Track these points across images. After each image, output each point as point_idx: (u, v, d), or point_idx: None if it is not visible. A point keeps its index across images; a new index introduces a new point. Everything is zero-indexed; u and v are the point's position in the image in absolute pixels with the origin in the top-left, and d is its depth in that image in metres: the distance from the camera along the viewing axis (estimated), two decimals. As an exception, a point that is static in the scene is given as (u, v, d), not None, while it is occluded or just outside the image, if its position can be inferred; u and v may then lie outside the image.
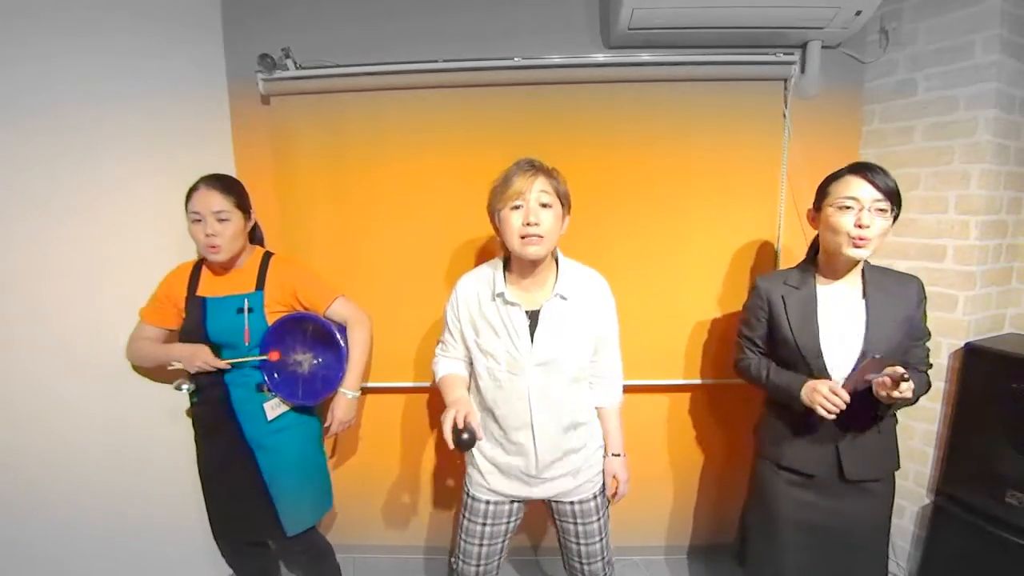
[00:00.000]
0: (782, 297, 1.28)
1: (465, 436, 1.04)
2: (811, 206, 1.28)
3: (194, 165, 1.44)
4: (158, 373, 1.51)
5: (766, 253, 1.76)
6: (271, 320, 1.41)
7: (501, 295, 1.19)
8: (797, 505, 1.29)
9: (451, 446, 1.04)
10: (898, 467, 1.29)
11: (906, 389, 1.05)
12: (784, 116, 1.70)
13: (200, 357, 1.36)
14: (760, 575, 1.38)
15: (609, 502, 1.34)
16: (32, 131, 1.30)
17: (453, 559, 1.37)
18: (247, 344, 1.39)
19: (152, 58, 1.55)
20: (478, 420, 1.12)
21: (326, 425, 1.49)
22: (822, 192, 1.23)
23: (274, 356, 1.39)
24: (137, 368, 1.51)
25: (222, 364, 1.36)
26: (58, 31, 1.34)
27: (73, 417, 1.41)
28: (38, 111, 1.31)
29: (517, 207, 1.12)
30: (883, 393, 1.09)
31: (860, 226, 1.13)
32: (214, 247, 1.35)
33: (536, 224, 1.10)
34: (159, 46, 1.57)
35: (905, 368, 1.17)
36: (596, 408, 1.32)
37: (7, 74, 1.26)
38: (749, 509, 1.43)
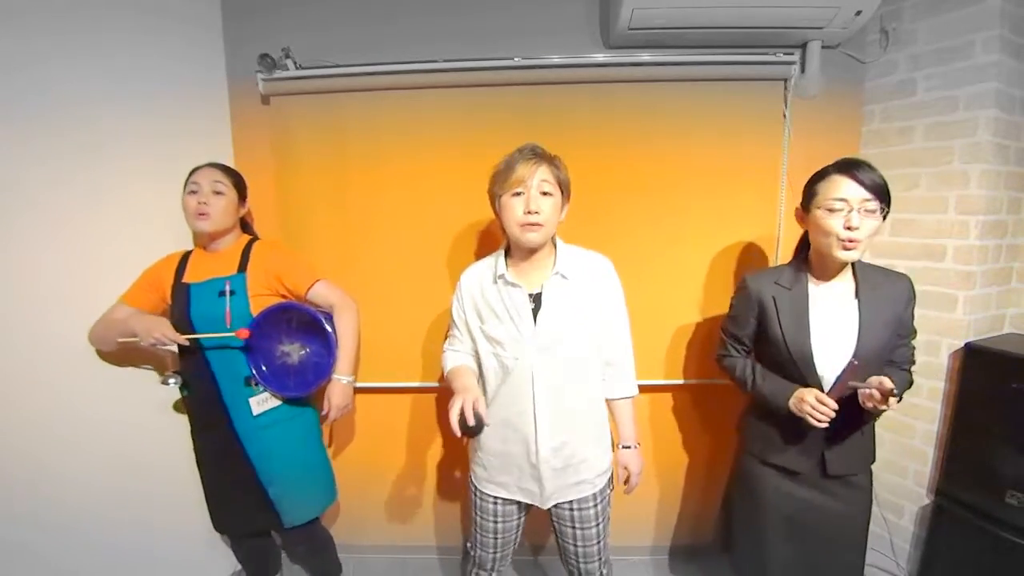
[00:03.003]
0: (773, 298, 1.26)
1: (472, 423, 1.04)
2: (799, 204, 1.26)
3: (194, 165, 1.44)
4: (145, 359, 1.51)
5: (766, 253, 1.76)
6: (254, 304, 1.40)
7: (502, 276, 1.20)
8: (782, 497, 1.30)
9: (457, 433, 1.05)
10: (874, 459, 1.31)
11: (893, 403, 1.08)
12: (784, 116, 1.70)
13: (158, 329, 1.30)
14: (746, 565, 1.40)
15: (611, 499, 1.33)
16: (32, 131, 1.31)
17: (469, 544, 1.39)
18: (229, 328, 1.37)
19: (152, 58, 1.55)
20: (485, 407, 1.11)
21: (324, 413, 1.48)
22: (809, 191, 1.21)
23: (243, 334, 1.35)
24: (101, 353, 1.46)
25: (181, 339, 1.33)
26: (58, 31, 1.34)
27: (74, 418, 1.41)
28: (38, 111, 1.31)
29: (518, 194, 1.14)
30: (870, 405, 1.11)
31: (850, 228, 1.11)
32: (203, 214, 1.37)
33: (536, 212, 1.12)
34: (159, 46, 1.57)
35: (890, 365, 1.21)
36: (608, 401, 1.30)
37: (7, 74, 1.26)
38: (734, 501, 1.44)
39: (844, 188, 1.12)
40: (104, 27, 1.44)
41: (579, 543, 1.30)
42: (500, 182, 1.16)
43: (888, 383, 1.06)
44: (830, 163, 1.19)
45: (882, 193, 1.11)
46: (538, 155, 1.15)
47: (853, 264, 1.23)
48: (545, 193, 1.14)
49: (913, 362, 1.29)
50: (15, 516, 1.32)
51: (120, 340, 1.37)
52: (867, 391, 1.10)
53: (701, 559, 1.97)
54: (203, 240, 1.46)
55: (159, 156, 1.54)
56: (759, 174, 1.72)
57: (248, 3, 1.73)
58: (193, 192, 1.40)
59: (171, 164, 1.47)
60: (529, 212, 1.12)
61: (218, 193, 1.40)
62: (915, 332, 1.28)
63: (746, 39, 1.62)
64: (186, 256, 1.47)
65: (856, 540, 1.31)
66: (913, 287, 1.24)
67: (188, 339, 1.35)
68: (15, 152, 1.28)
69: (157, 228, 1.53)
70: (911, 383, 1.29)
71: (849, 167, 1.14)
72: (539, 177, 1.13)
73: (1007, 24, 1.43)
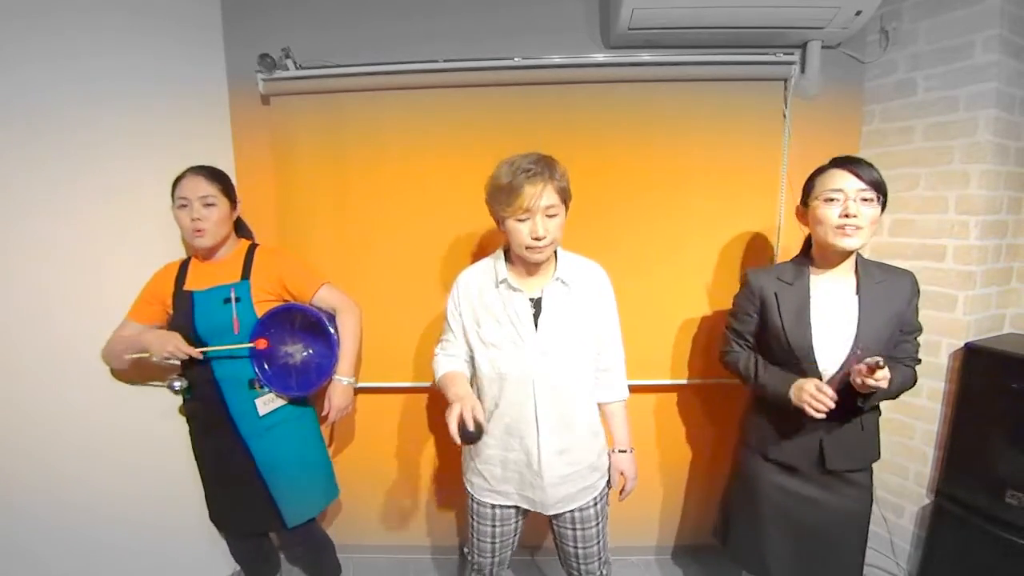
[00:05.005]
0: (775, 293, 1.28)
1: (471, 430, 1.04)
2: (799, 202, 1.29)
3: (190, 166, 1.43)
4: (155, 373, 1.51)
5: (766, 253, 1.76)
6: (259, 310, 1.40)
7: (504, 281, 1.19)
8: (781, 492, 1.31)
9: (457, 440, 1.04)
10: (878, 457, 1.30)
11: (881, 378, 1.05)
12: (784, 116, 1.70)
13: (171, 343, 1.32)
14: (743, 560, 1.41)
15: (608, 498, 1.33)
16: (32, 131, 1.31)
17: (467, 550, 1.38)
18: (236, 335, 1.38)
19: (152, 58, 1.55)
20: (484, 414, 1.11)
21: (324, 414, 1.49)
22: (808, 187, 1.25)
23: (261, 344, 1.37)
24: (115, 373, 1.47)
25: (194, 352, 1.33)
26: (58, 31, 1.34)
27: (76, 420, 1.41)
28: (38, 111, 1.32)
29: (523, 219, 1.12)
30: (858, 380, 1.09)
31: (847, 216, 1.14)
32: (200, 231, 1.36)
33: (543, 237, 1.11)
34: (159, 46, 1.57)
35: (891, 360, 1.17)
36: (601, 405, 1.31)
37: (7, 74, 1.26)
38: (733, 494, 1.45)
39: (840, 179, 1.16)
40: (104, 27, 1.44)
41: (580, 544, 1.29)
42: (503, 204, 1.12)
43: (878, 357, 1.04)
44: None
45: (877, 185, 1.15)
46: (540, 174, 1.09)
47: (856, 260, 1.24)
48: (551, 215, 1.12)
49: (917, 360, 1.27)
50: (18, 516, 1.32)
51: (128, 357, 1.37)
52: (859, 367, 1.08)
53: (705, 558, 1.96)
54: (202, 252, 1.44)
55: (159, 156, 1.53)
56: (759, 174, 1.72)
57: (248, 3, 1.73)
58: (183, 207, 1.36)
59: (171, 164, 1.47)
60: (537, 238, 1.11)
61: (209, 205, 1.36)
62: (920, 328, 1.27)
63: (746, 39, 1.62)
64: (185, 264, 1.46)
65: (855, 538, 1.30)
66: (916, 283, 1.24)
67: (203, 352, 1.35)
68: (16, 153, 1.28)
69: (159, 229, 1.53)
70: (915, 380, 1.26)
71: (846, 161, 1.18)
72: (544, 202, 1.10)
73: (1007, 24, 1.43)
